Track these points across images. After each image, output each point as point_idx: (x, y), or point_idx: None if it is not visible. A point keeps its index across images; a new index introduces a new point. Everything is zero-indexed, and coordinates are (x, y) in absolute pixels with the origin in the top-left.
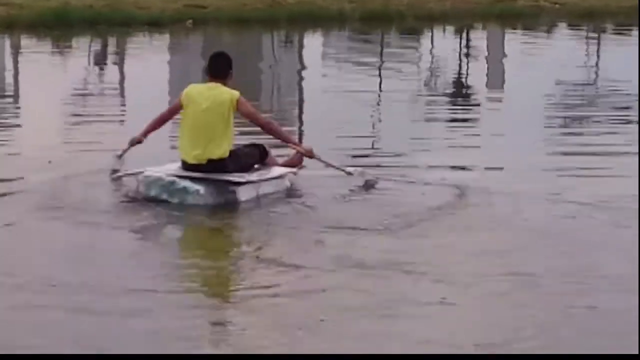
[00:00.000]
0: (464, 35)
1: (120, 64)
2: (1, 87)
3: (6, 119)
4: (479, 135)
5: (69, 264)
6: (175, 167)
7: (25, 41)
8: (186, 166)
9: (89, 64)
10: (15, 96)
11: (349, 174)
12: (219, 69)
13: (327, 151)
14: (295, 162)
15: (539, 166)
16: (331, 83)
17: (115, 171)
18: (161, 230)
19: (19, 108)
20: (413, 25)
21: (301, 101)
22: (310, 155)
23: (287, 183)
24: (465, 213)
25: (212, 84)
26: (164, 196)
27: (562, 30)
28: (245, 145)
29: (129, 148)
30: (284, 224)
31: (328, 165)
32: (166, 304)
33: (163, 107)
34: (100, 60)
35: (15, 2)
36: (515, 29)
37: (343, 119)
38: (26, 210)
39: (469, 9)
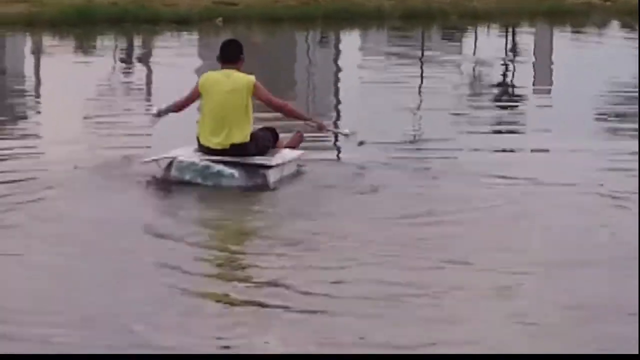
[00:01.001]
0: (510, 34)
1: (146, 64)
2: (22, 89)
3: (27, 121)
4: (524, 133)
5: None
6: (189, 150)
7: (47, 40)
8: (208, 151)
9: (114, 64)
10: (37, 97)
11: (346, 135)
12: (231, 55)
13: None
14: (295, 144)
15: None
16: (370, 82)
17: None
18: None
19: (39, 111)
20: (456, 24)
21: (338, 103)
22: (322, 127)
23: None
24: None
25: (228, 71)
26: (198, 180)
27: (614, 28)
28: (260, 129)
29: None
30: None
31: (333, 132)
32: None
33: (191, 110)
34: (125, 60)
35: None
36: (564, 27)
37: (385, 119)
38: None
39: (515, 6)
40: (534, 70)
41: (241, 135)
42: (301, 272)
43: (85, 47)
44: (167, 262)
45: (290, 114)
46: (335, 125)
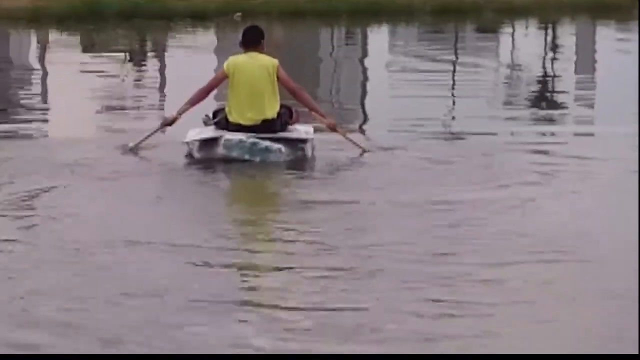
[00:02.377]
0: (550, 30)
1: (160, 61)
2: (28, 88)
3: (33, 122)
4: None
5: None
6: (208, 130)
7: (54, 36)
8: (239, 127)
9: (125, 61)
10: (43, 98)
11: (364, 150)
12: (254, 39)
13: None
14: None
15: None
16: (399, 81)
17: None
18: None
19: (46, 110)
20: (491, 20)
21: (363, 105)
22: (334, 128)
23: None
24: None
25: (252, 53)
26: (246, 156)
27: None
28: (280, 106)
29: (159, 129)
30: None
31: (347, 139)
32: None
33: (206, 111)
34: (137, 58)
35: None
36: (607, 22)
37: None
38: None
39: (554, 1)
40: (576, 68)
41: (272, 112)
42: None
43: (94, 43)
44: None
45: (305, 102)
46: (361, 131)
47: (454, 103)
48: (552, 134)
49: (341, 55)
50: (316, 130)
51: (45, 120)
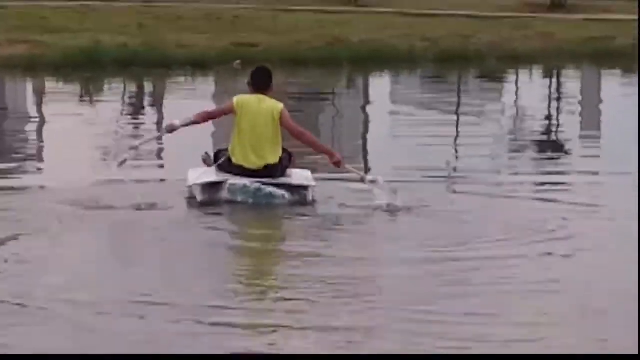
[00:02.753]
0: (554, 78)
1: (158, 110)
2: (23, 138)
3: (27, 174)
4: (570, 182)
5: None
6: (209, 172)
7: (50, 84)
8: (242, 169)
9: (123, 110)
10: (39, 149)
11: (372, 181)
12: (263, 82)
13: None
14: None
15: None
16: (401, 130)
17: (123, 161)
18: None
19: (42, 162)
20: (495, 67)
21: (366, 153)
22: (341, 164)
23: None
24: None
25: (260, 96)
26: (250, 201)
27: None
28: (282, 151)
29: (162, 135)
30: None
31: (354, 172)
32: None
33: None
34: (135, 106)
35: (39, 40)
36: (613, 70)
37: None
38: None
39: (558, 48)
40: (581, 116)
41: (274, 157)
42: None
43: (91, 91)
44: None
45: (310, 144)
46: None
47: (456, 151)
48: (558, 182)
49: (342, 103)
50: (314, 173)
51: (40, 169)
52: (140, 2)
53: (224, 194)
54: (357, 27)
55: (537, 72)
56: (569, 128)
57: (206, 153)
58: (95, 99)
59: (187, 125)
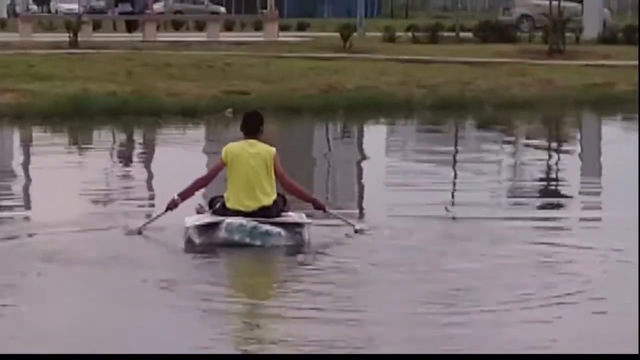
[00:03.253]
0: (554, 125)
1: (148, 159)
2: (8, 186)
3: (13, 224)
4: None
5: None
6: (206, 216)
7: (38, 133)
8: (237, 214)
9: (112, 160)
10: (26, 200)
11: (353, 225)
12: (253, 127)
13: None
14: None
15: None
16: (397, 179)
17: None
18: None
19: (28, 216)
20: (492, 115)
21: (361, 204)
22: (325, 209)
23: None
24: None
25: (251, 141)
26: (246, 240)
27: None
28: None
29: (164, 213)
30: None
31: (337, 217)
32: None
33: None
34: (124, 155)
35: (26, 89)
36: (614, 116)
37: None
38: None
39: (558, 95)
40: (582, 164)
41: (269, 199)
42: None
43: (80, 141)
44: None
45: (297, 194)
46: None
47: (453, 197)
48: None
49: (337, 153)
50: (309, 216)
51: (28, 218)
52: (129, 49)
53: (221, 234)
54: (352, 74)
55: (536, 118)
56: (568, 176)
57: (199, 204)
58: (83, 148)
59: (186, 197)
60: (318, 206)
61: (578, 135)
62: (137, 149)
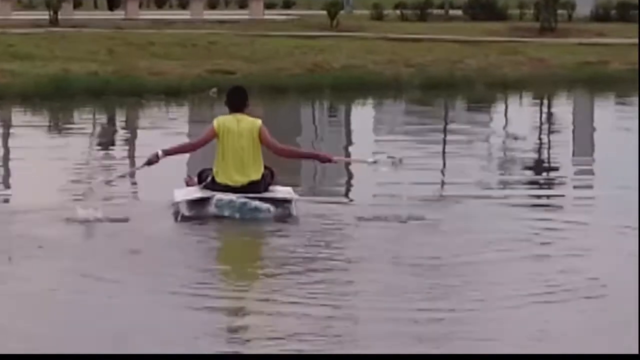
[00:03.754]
0: (545, 104)
1: (130, 139)
2: None
3: None
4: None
5: None
6: (196, 190)
7: (18, 114)
8: (227, 188)
9: (93, 140)
10: (5, 181)
11: (374, 162)
12: (240, 102)
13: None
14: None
15: None
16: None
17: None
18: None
19: (8, 197)
20: (483, 94)
21: (349, 185)
22: (332, 159)
23: None
24: None
25: (238, 115)
26: (236, 215)
27: None
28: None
29: (143, 166)
30: None
31: (353, 161)
32: None
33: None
34: (106, 137)
35: (6, 69)
36: (607, 96)
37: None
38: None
39: (550, 74)
40: (573, 144)
41: (257, 174)
42: None
43: (61, 121)
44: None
45: (293, 156)
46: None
47: (443, 174)
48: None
49: (323, 133)
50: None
51: (7, 200)
52: (111, 27)
53: (211, 209)
54: (339, 53)
55: (527, 98)
56: (561, 155)
57: (188, 176)
58: (65, 129)
59: (170, 155)
60: (324, 159)
61: (570, 113)
62: (119, 130)
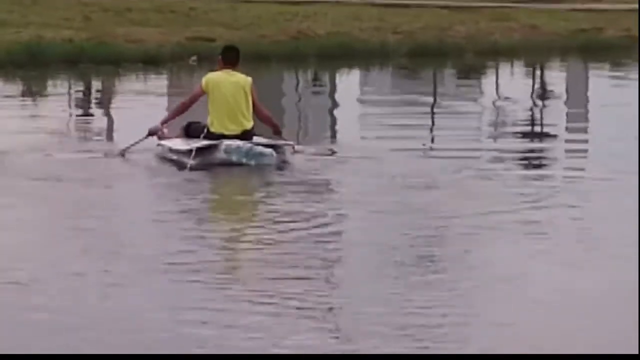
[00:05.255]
0: (538, 73)
1: (107, 110)
2: None
3: None
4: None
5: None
6: (192, 140)
7: None
8: (222, 137)
9: (69, 111)
10: None
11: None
12: (233, 58)
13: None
14: None
15: None
16: (370, 127)
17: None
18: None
19: None
20: (473, 62)
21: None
22: (280, 133)
23: None
24: None
25: (229, 71)
26: (243, 160)
27: None
28: None
29: (146, 138)
30: None
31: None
32: None
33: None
34: (82, 107)
35: None
36: (601, 64)
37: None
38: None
39: (543, 41)
40: (567, 112)
41: (249, 123)
42: None
43: (35, 91)
44: None
45: (265, 119)
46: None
47: (432, 140)
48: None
49: (306, 103)
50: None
51: None
52: None
53: (220, 155)
54: (324, 20)
55: (519, 65)
56: (552, 125)
57: (162, 130)
58: (38, 98)
59: (167, 122)
60: (277, 131)
61: (563, 82)
62: (95, 99)
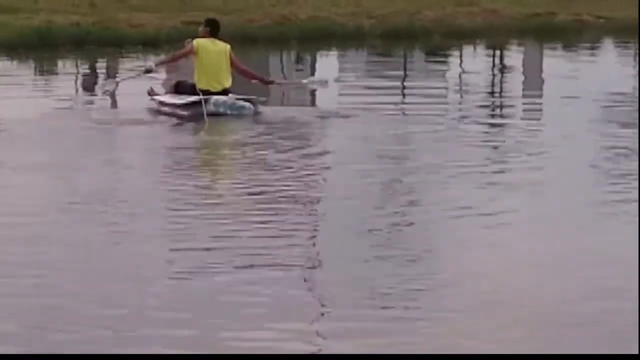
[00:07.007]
0: (498, 53)
1: (110, 84)
2: None
3: None
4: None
5: None
6: (181, 95)
7: (3, 64)
8: (208, 93)
9: (77, 89)
10: None
11: (304, 83)
12: (217, 28)
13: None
14: None
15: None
16: (347, 102)
17: (107, 90)
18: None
19: None
20: (440, 43)
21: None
22: (274, 81)
23: None
24: None
25: (214, 40)
26: (228, 112)
27: (608, 47)
28: None
29: (140, 75)
30: None
31: (288, 83)
32: None
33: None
34: (89, 85)
35: None
36: (554, 45)
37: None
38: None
39: (502, 24)
40: (523, 87)
41: (228, 82)
42: None
43: (45, 71)
44: None
45: (249, 75)
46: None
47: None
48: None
49: (291, 79)
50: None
51: None
52: None
53: (210, 107)
54: (305, 5)
55: (481, 47)
56: (511, 97)
57: (151, 87)
58: (49, 77)
59: (160, 65)
60: (267, 81)
61: (521, 61)
62: (101, 77)
